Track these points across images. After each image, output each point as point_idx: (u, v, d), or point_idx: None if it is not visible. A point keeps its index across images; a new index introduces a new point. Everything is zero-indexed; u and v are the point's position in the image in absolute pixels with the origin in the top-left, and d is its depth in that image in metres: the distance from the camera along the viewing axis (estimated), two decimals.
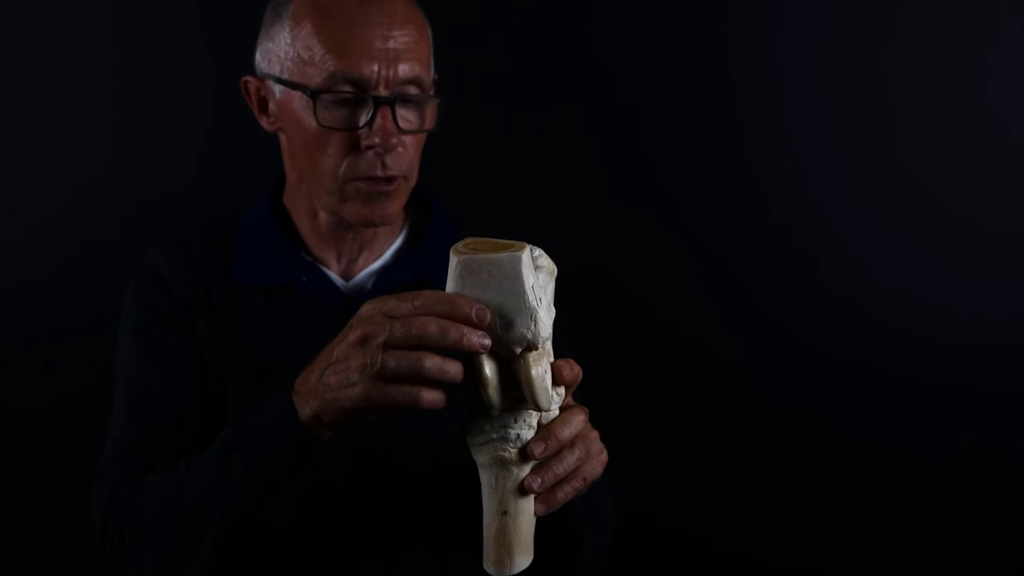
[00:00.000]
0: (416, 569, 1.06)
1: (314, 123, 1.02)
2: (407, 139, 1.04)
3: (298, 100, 1.03)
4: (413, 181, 1.08)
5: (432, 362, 0.76)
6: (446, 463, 0.93)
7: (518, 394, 0.78)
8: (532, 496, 0.81)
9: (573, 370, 0.81)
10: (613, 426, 0.92)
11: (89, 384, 1.57)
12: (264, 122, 1.11)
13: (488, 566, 0.82)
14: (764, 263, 1.82)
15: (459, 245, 0.78)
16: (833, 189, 1.79)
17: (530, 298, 0.76)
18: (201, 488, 0.91)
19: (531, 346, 0.77)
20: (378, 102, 1.01)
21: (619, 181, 1.81)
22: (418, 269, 1.11)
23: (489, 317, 0.75)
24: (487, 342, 0.76)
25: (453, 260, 0.77)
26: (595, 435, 0.86)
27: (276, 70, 1.05)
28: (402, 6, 1.04)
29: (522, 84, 1.78)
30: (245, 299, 1.08)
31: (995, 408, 1.80)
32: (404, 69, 1.01)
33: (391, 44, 1.01)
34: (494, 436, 0.80)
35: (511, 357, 0.78)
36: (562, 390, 0.81)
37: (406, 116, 1.04)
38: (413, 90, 1.03)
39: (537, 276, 0.77)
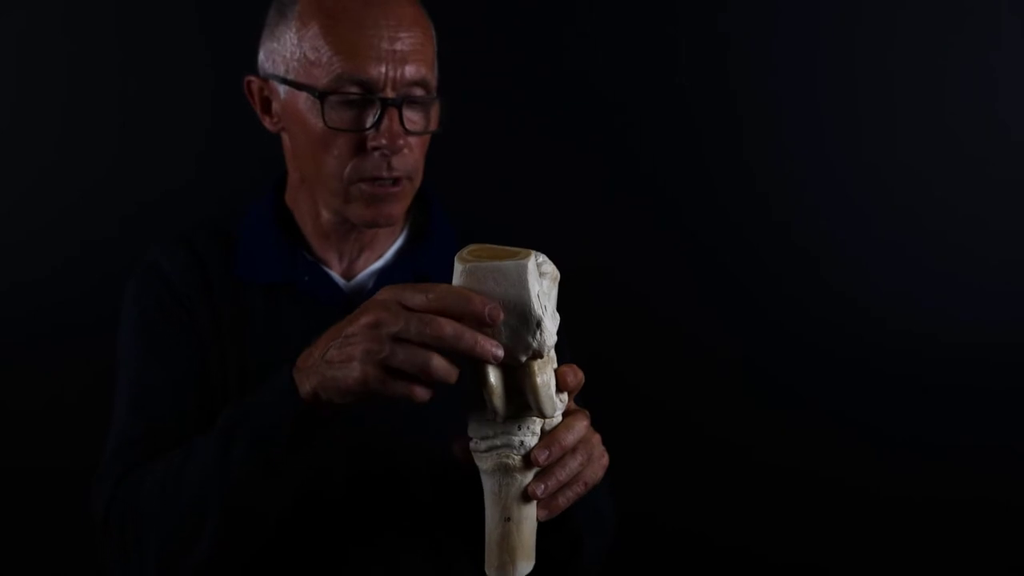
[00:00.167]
0: (416, 570, 1.06)
1: (320, 124, 1.02)
2: (412, 140, 1.04)
3: (304, 101, 1.03)
4: (417, 182, 1.09)
5: (439, 363, 0.76)
6: (446, 464, 0.93)
7: (522, 401, 0.78)
8: (535, 502, 0.82)
9: (576, 376, 0.81)
10: (613, 426, 0.92)
11: (89, 384, 1.57)
12: (267, 122, 1.11)
13: (491, 572, 0.82)
14: (765, 263, 1.82)
15: (464, 252, 0.78)
16: (833, 189, 1.80)
17: (536, 307, 0.75)
18: (202, 467, 0.91)
19: (536, 354, 0.77)
20: (385, 104, 1.01)
21: (620, 181, 1.81)
22: (419, 269, 1.12)
23: (502, 315, 0.75)
24: (500, 352, 0.75)
25: (458, 267, 0.77)
26: (597, 439, 0.86)
27: (281, 70, 1.05)
28: (408, 8, 1.04)
29: (522, 85, 1.78)
30: (247, 297, 1.08)
31: (995, 408, 1.80)
32: (411, 71, 1.01)
33: (398, 46, 1.01)
34: (498, 443, 0.80)
35: (516, 365, 0.78)
36: (565, 396, 0.81)
37: (412, 118, 1.04)
38: (419, 92, 1.03)
39: (541, 283, 0.77)
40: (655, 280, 1.81)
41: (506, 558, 0.81)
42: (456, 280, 0.77)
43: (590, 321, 0.93)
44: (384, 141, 1.01)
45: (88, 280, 1.74)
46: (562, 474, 0.82)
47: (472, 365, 0.78)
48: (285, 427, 0.86)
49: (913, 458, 1.81)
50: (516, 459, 0.80)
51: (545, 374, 0.77)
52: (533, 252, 0.77)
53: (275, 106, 1.08)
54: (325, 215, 1.10)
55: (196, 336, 1.06)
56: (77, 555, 1.71)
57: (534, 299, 0.75)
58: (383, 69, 1.00)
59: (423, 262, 1.12)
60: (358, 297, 1.10)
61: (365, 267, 1.13)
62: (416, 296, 0.77)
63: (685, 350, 1.82)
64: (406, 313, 0.77)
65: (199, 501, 0.91)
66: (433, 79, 1.06)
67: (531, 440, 0.81)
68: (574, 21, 1.79)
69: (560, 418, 0.83)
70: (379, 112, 1.01)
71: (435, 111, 1.07)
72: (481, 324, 0.75)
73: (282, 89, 1.06)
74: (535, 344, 0.76)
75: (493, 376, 0.77)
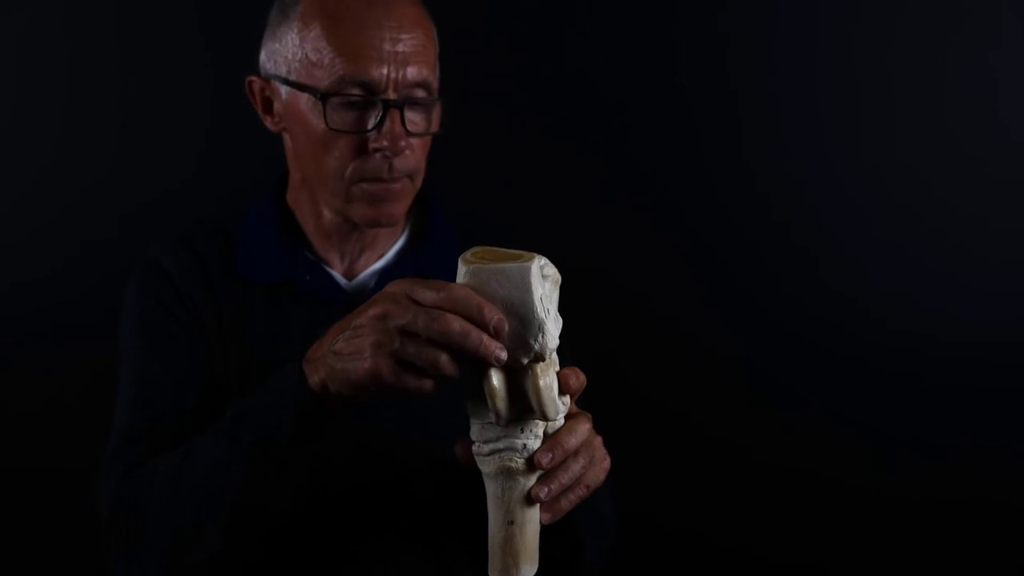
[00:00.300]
0: (417, 570, 1.06)
1: (322, 125, 1.02)
2: (414, 142, 1.04)
3: (305, 101, 1.03)
4: (418, 183, 1.09)
5: (447, 359, 0.77)
6: (447, 465, 0.93)
7: (525, 404, 0.78)
8: (538, 505, 0.82)
9: (579, 379, 0.81)
10: (614, 427, 0.92)
11: (89, 384, 1.57)
12: (268, 122, 1.11)
13: (494, 575, 0.82)
14: (764, 263, 1.82)
15: (467, 254, 0.78)
16: (833, 189, 1.80)
17: (539, 310, 0.76)
18: (209, 460, 0.91)
19: (538, 357, 0.77)
20: (387, 105, 1.01)
21: (619, 181, 1.81)
22: (420, 268, 1.12)
23: (506, 329, 0.75)
24: (503, 355, 0.75)
25: (462, 269, 0.77)
26: (598, 441, 0.86)
27: (283, 71, 1.05)
28: (411, 9, 1.04)
29: (522, 85, 1.78)
30: (248, 297, 1.08)
31: (995, 408, 1.80)
32: (413, 72, 1.02)
33: (400, 47, 1.01)
34: (501, 446, 0.80)
35: (518, 368, 0.78)
36: (567, 399, 0.81)
37: (414, 119, 1.04)
38: (421, 93, 1.03)
39: (544, 285, 0.77)
40: (655, 280, 1.81)
41: (509, 561, 0.81)
42: (460, 281, 0.77)
43: (590, 321, 0.93)
44: (386, 143, 1.02)
45: (88, 280, 1.74)
46: (565, 477, 0.82)
47: (475, 368, 0.78)
48: (293, 418, 0.86)
49: (913, 458, 1.81)
50: (519, 462, 0.80)
51: (548, 377, 0.77)
52: (536, 255, 0.77)
53: (276, 106, 1.08)
54: (327, 215, 1.10)
55: (197, 334, 1.07)
56: (77, 555, 1.71)
57: (537, 302, 0.75)
58: (385, 71, 1.00)
59: (424, 262, 1.12)
60: (359, 297, 1.10)
61: (366, 267, 1.13)
62: (427, 292, 0.77)
63: (685, 350, 1.81)
64: (415, 307, 0.77)
65: (206, 495, 0.91)
66: (435, 80, 1.06)
67: (534, 443, 0.80)
68: (574, 21, 1.79)
69: (563, 421, 0.83)
70: (381, 114, 1.01)
71: (436, 112, 1.07)
72: (488, 334, 0.76)
73: (284, 89, 1.06)
74: (537, 347, 0.76)
75: (496, 379, 0.77)
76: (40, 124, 1.75)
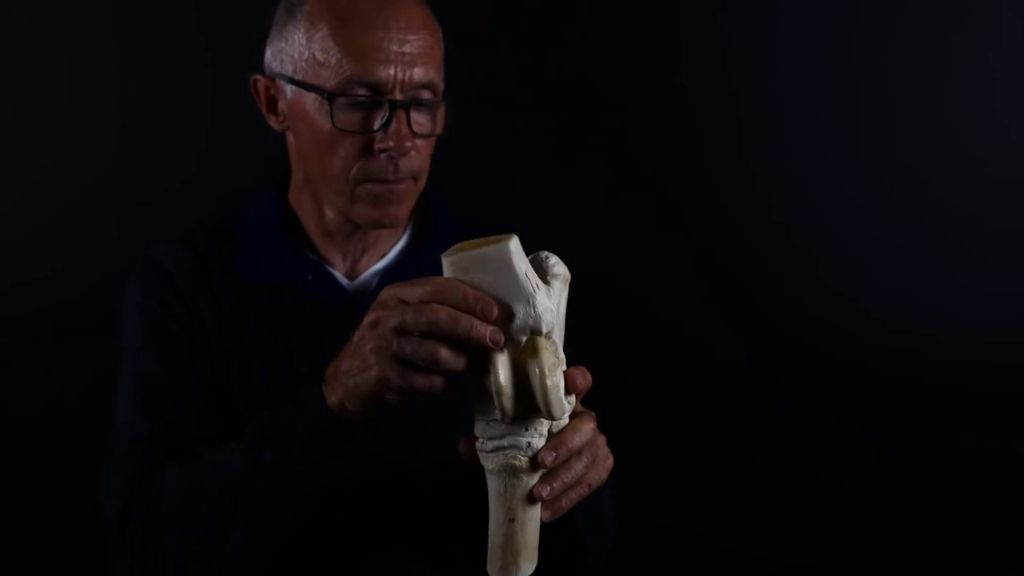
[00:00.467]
0: (418, 571, 1.06)
1: (328, 125, 1.02)
2: (419, 143, 1.04)
3: (311, 101, 1.03)
4: (422, 184, 1.09)
5: (448, 353, 0.77)
6: (449, 466, 0.93)
7: (530, 403, 0.78)
8: (539, 503, 0.81)
9: (586, 379, 0.81)
10: (616, 427, 0.92)
11: (89, 384, 1.57)
12: (273, 121, 1.11)
13: (494, 572, 0.82)
14: (765, 264, 1.82)
15: (448, 251, 0.79)
16: (833, 189, 1.80)
17: (525, 284, 0.76)
18: (229, 476, 0.91)
19: (535, 331, 0.77)
20: (393, 106, 1.01)
21: (620, 182, 1.81)
22: (422, 269, 1.12)
23: (496, 312, 0.76)
24: (498, 336, 0.76)
25: (444, 263, 0.78)
26: (602, 441, 0.86)
27: (288, 70, 1.05)
28: (417, 11, 1.04)
29: (521, 86, 1.78)
30: (249, 296, 1.08)
31: (996, 409, 1.80)
32: (419, 73, 1.02)
33: (407, 48, 1.01)
34: (505, 444, 0.80)
35: (518, 348, 0.78)
36: (573, 398, 0.81)
37: (419, 120, 1.04)
38: (427, 94, 1.03)
39: (526, 261, 0.77)
40: (656, 281, 1.81)
41: (509, 559, 0.81)
42: (445, 275, 0.78)
43: (592, 322, 0.93)
44: (391, 143, 1.01)
45: (88, 280, 1.74)
46: (568, 476, 0.82)
47: (482, 365, 0.78)
48: (313, 440, 0.87)
49: (914, 459, 1.81)
50: (523, 460, 0.80)
51: (556, 376, 0.77)
52: (514, 235, 0.77)
53: (281, 105, 1.08)
54: (329, 215, 1.10)
55: (198, 334, 1.06)
56: (77, 555, 1.72)
57: (522, 276, 0.76)
58: (392, 71, 1.00)
59: (426, 262, 1.12)
60: (361, 297, 1.10)
61: (368, 267, 1.13)
62: (413, 289, 0.78)
63: (686, 351, 1.82)
64: (403, 306, 0.78)
65: (223, 509, 0.91)
66: (440, 82, 1.06)
67: (538, 442, 0.80)
68: (574, 22, 1.79)
69: (567, 420, 0.83)
70: (387, 114, 1.01)
71: (441, 114, 1.07)
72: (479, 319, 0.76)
73: (289, 89, 1.05)
74: (531, 321, 0.76)
75: (503, 376, 0.77)
76: (40, 124, 1.75)
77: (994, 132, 1.76)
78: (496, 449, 0.80)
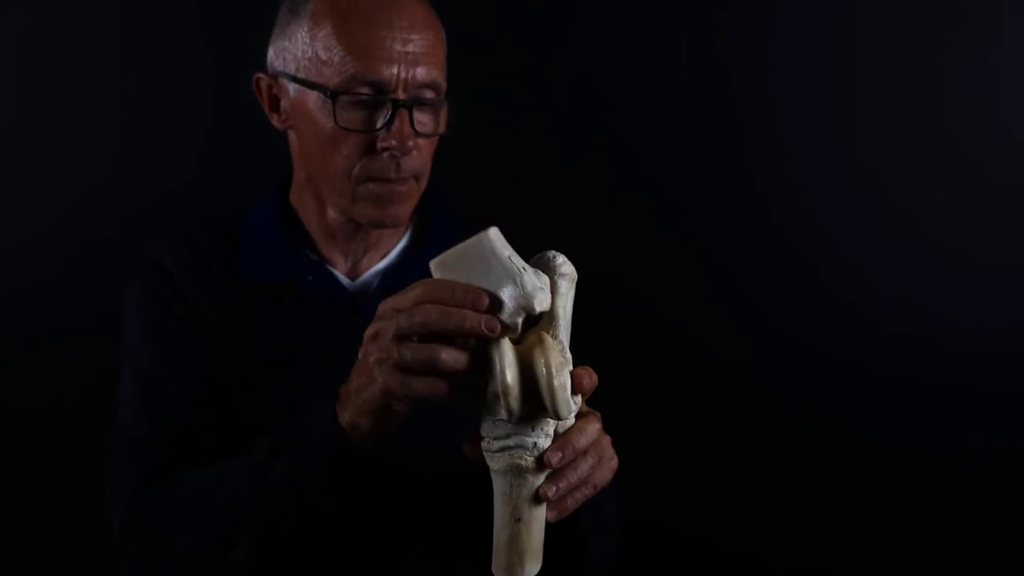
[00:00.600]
0: (419, 571, 1.06)
1: (331, 123, 1.02)
2: (421, 142, 1.05)
3: (314, 100, 1.03)
4: (424, 184, 1.09)
5: (448, 353, 0.77)
6: (450, 467, 0.93)
7: (537, 403, 0.78)
8: (544, 504, 0.82)
9: (592, 379, 0.81)
10: (619, 428, 0.92)
11: (89, 384, 1.57)
12: (275, 120, 1.11)
13: (498, 572, 0.82)
14: (765, 266, 1.82)
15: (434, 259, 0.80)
16: (834, 190, 1.79)
17: (509, 266, 0.76)
18: (237, 489, 0.92)
19: (528, 311, 0.77)
20: (396, 105, 1.01)
21: (620, 181, 1.81)
22: (423, 269, 1.10)
23: (486, 300, 0.76)
24: (494, 324, 0.76)
25: (432, 268, 0.80)
26: (607, 441, 0.87)
27: (292, 68, 1.05)
28: (420, 10, 1.04)
29: (522, 85, 1.78)
30: (250, 296, 1.08)
31: (997, 410, 1.80)
32: (422, 73, 1.02)
33: (410, 48, 1.01)
34: (511, 444, 0.80)
35: (522, 340, 0.78)
36: (579, 398, 0.81)
37: (422, 119, 1.04)
38: (430, 94, 1.04)
39: (509, 247, 0.78)
40: (658, 281, 1.81)
41: (514, 559, 0.81)
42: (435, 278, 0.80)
43: (594, 322, 0.93)
44: (394, 142, 1.01)
45: (88, 280, 1.74)
46: (573, 476, 0.82)
47: (488, 365, 0.78)
48: (324, 460, 0.87)
49: (917, 460, 1.81)
50: (529, 460, 0.80)
51: (562, 376, 0.77)
52: (493, 227, 0.78)
53: (284, 104, 1.08)
54: (331, 214, 1.10)
55: (198, 334, 1.06)
56: (77, 555, 1.71)
57: (505, 261, 0.76)
58: (395, 70, 1.00)
59: (427, 262, 1.12)
60: (362, 296, 1.10)
61: (370, 267, 1.13)
62: (405, 296, 0.79)
63: (690, 352, 1.81)
64: (398, 314, 0.79)
65: (232, 523, 0.92)
66: (443, 81, 1.06)
67: (544, 442, 0.80)
68: (575, 21, 1.79)
69: (573, 420, 0.83)
70: (390, 113, 1.01)
71: (443, 113, 1.07)
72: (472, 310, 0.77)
73: (292, 87, 1.05)
74: (522, 302, 0.77)
75: (510, 377, 0.77)
76: (40, 124, 1.75)
77: (995, 132, 1.76)
78: (502, 449, 0.80)
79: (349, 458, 0.87)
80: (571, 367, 0.80)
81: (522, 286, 0.77)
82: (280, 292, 1.09)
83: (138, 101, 1.75)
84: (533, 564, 0.82)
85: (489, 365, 0.77)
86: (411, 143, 1.02)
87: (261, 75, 1.10)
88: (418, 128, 1.03)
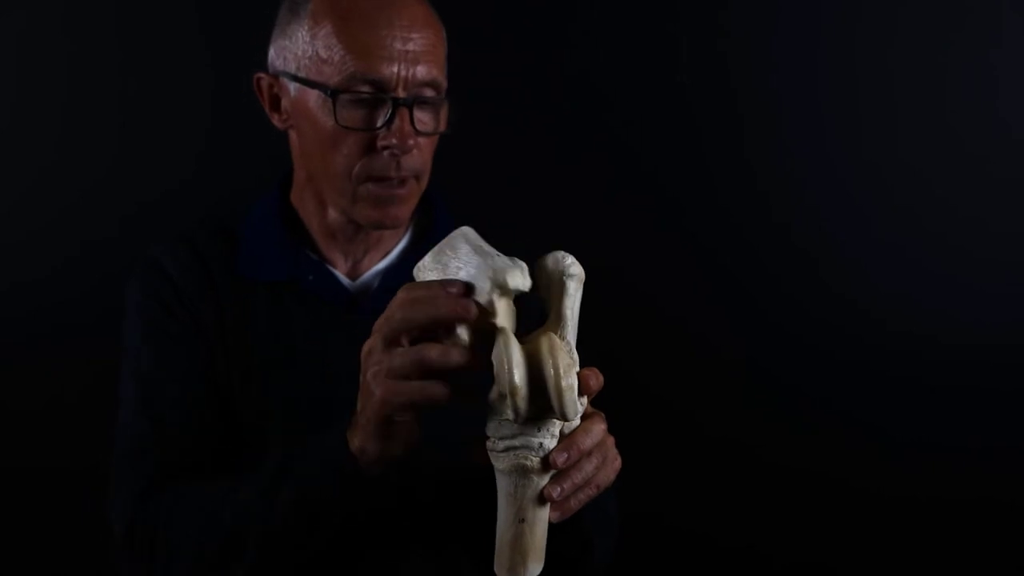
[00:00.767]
0: (421, 573, 1.06)
1: (331, 122, 1.02)
2: (422, 141, 1.04)
3: (314, 99, 1.03)
4: (424, 183, 1.09)
5: (435, 350, 0.78)
6: (450, 467, 0.93)
7: (543, 403, 0.78)
8: (548, 504, 0.82)
9: (598, 380, 0.81)
10: (620, 426, 0.92)
11: (89, 384, 1.57)
12: (276, 119, 1.11)
13: (501, 572, 0.82)
14: (765, 264, 1.82)
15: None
16: (834, 189, 1.79)
17: (480, 250, 0.78)
18: (245, 511, 0.93)
19: (501, 287, 0.78)
20: (396, 103, 1.01)
21: (621, 180, 1.81)
22: None
23: (461, 286, 0.78)
24: (467, 304, 0.77)
25: (414, 275, 0.82)
26: (611, 442, 0.87)
27: (292, 68, 1.05)
28: (421, 9, 1.04)
29: (522, 84, 1.78)
30: (250, 296, 1.08)
31: (996, 409, 1.80)
32: (422, 71, 1.02)
33: (410, 46, 1.01)
34: (517, 444, 0.80)
35: (495, 315, 0.79)
36: (585, 399, 0.81)
37: (422, 118, 1.04)
38: (430, 92, 1.03)
39: (478, 237, 0.79)
40: (658, 280, 1.81)
41: (518, 559, 0.81)
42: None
43: (595, 322, 0.93)
44: (394, 140, 1.01)
45: (88, 280, 1.74)
46: (578, 477, 0.82)
47: (481, 363, 0.77)
48: (332, 483, 0.88)
49: (916, 458, 1.81)
50: (534, 461, 0.80)
51: (570, 377, 0.77)
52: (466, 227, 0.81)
53: (284, 103, 1.08)
54: (332, 214, 1.10)
55: (198, 335, 1.06)
56: (77, 555, 1.71)
57: (475, 246, 0.78)
58: (395, 69, 1.00)
59: None
60: (363, 297, 1.10)
61: (370, 267, 1.13)
62: (389, 306, 0.81)
63: (690, 351, 1.81)
64: (384, 323, 0.80)
65: (239, 536, 0.93)
66: (443, 80, 1.06)
67: (550, 442, 0.80)
68: (575, 20, 1.79)
69: (579, 421, 0.83)
70: (390, 111, 1.01)
71: (444, 112, 1.07)
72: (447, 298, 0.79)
73: (292, 86, 1.05)
74: (496, 277, 0.78)
75: (518, 377, 0.76)
76: (40, 124, 1.75)
77: (995, 131, 1.76)
78: (508, 449, 0.80)
79: (357, 484, 0.87)
80: (578, 368, 0.80)
81: (492, 264, 0.78)
82: (280, 292, 1.09)
83: (138, 101, 1.75)
84: (536, 564, 0.82)
85: (495, 365, 0.77)
86: (411, 141, 1.02)
87: (262, 75, 1.10)
88: (418, 127, 1.03)
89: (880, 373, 1.81)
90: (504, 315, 0.80)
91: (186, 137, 1.76)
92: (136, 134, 1.76)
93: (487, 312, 0.78)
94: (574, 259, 0.80)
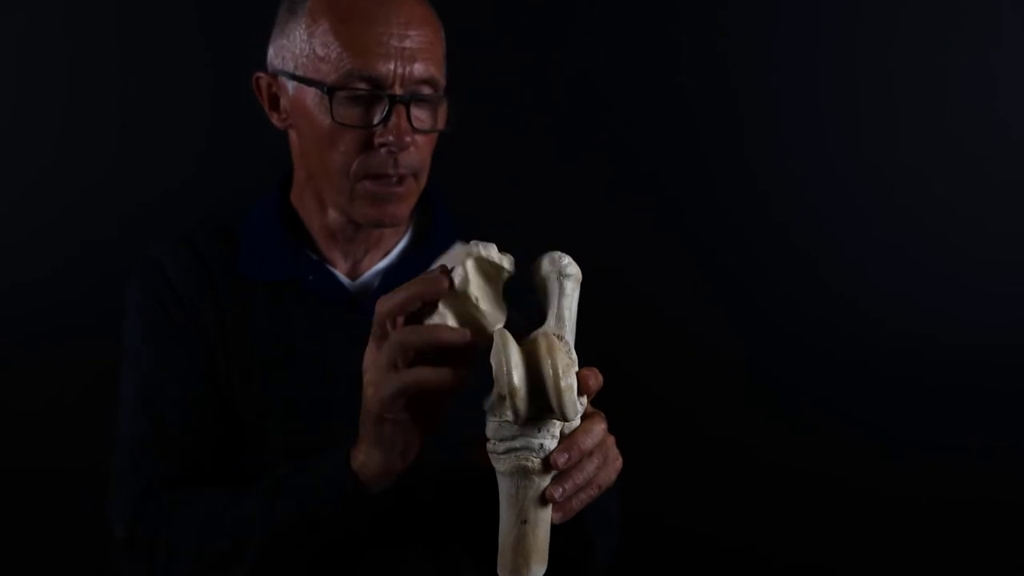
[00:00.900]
0: (421, 573, 1.06)
1: (328, 120, 1.02)
2: (419, 139, 1.04)
3: (312, 97, 1.03)
4: (422, 182, 1.09)
5: (414, 332, 0.80)
6: (453, 468, 0.93)
7: (543, 403, 0.78)
8: (550, 504, 0.81)
9: (598, 380, 0.81)
10: (620, 426, 0.91)
11: (89, 384, 1.57)
12: (275, 119, 1.11)
13: (504, 574, 0.81)
14: (765, 264, 1.82)
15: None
16: (834, 189, 1.79)
17: (469, 244, 0.81)
18: (246, 521, 0.94)
19: (487, 251, 0.80)
20: (393, 100, 1.01)
21: (622, 181, 1.81)
22: (423, 268, 1.10)
23: (435, 271, 0.81)
24: (440, 279, 0.80)
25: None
26: (612, 442, 0.87)
27: (290, 66, 1.05)
28: (418, 7, 1.04)
29: (522, 84, 1.78)
30: (250, 296, 1.08)
31: (996, 409, 1.80)
32: (419, 69, 1.02)
33: (407, 44, 1.01)
34: (517, 445, 0.79)
35: (466, 281, 0.80)
36: (585, 399, 0.81)
37: (420, 116, 1.04)
38: (427, 90, 1.04)
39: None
40: (658, 280, 1.81)
41: (520, 561, 0.81)
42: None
43: (596, 321, 0.93)
44: (391, 137, 1.01)
45: (88, 280, 1.74)
46: (579, 477, 0.82)
47: (493, 367, 0.78)
48: (331, 500, 0.89)
49: (916, 458, 1.81)
50: (535, 462, 0.80)
51: (569, 377, 0.77)
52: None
53: (283, 102, 1.08)
54: (332, 214, 1.10)
55: (200, 335, 1.07)
56: (77, 555, 1.71)
57: (466, 245, 0.80)
58: (392, 66, 1.00)
59: (427, 262, 1.11)
60: (363, 296, 1.10)
61: (370, 266, 1.12)
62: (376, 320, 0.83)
63: (690, 351, 1.81)
64: (377, 326, 0.82)
65: (239, 545, 0.94)
66: (441, 78, 1.06)
67: (550, 443, 0.80)
68: (575, 20, 1.79)
69: (579, 421, 0.83)
70: (387, 109, 1.01)
71: (443, 110, 1.07)
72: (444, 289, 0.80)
73: (291, 85, 1.06)
74: (479, 244, 0.80)
75: (517, 378, 0.76)
76: (40, 124, 1.75)
77: (995, 131, 1.76)
78: (508, 451, 0.80)
79: (359, 502, 0.88)
80: (577, 368, 0.80)
81: (466, 247, 0.80)
82: (280, 292, 1.09)
83: (138, 101, 1.75)
84: (539, 565, 0.81)
85: (494, 366, 0.77)
86: (408, 139, 1.02)
87: (261, 74, 1.10)
88: (415, 124, 1.03)
89: (880, 373, 1.81)
90: (483, 294, 0.81)
91: (186, 137, 1.76)
92: (136, 134, 1.76)
93: (465, 290, 0.79)
94: (571, 259, 0.80)
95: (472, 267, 0.80)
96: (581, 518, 0.86)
